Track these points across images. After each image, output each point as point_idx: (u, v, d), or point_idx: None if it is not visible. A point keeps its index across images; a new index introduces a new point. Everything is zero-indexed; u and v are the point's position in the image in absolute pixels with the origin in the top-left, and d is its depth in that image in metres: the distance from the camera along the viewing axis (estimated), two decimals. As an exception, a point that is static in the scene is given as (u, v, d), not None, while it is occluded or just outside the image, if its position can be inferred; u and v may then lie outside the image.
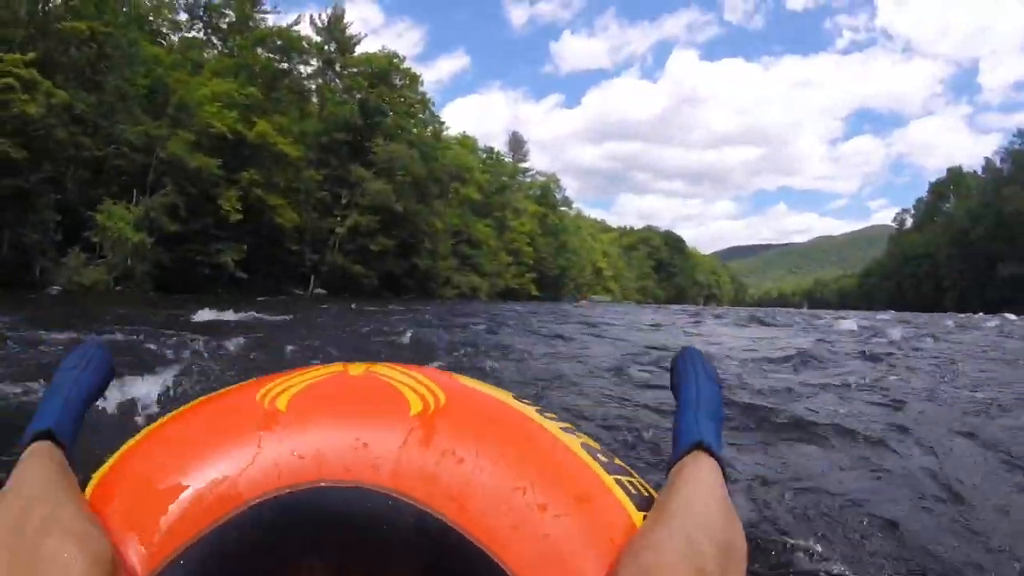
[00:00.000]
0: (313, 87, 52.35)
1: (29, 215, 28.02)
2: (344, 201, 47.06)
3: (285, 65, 45.25)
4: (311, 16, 53.85)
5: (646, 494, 0.94)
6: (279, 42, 44.03)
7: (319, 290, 42.69)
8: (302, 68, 50.77)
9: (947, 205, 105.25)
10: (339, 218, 45.93)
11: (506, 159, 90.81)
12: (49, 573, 0.68)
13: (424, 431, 0.94)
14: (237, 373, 4.59)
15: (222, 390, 1.11)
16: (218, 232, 35.77)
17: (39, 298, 20.01)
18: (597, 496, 0.89)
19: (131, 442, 1.00)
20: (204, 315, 11.63)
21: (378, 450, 0.91)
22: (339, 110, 50.37)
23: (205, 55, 43.49)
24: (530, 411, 1.06)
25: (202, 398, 1.10)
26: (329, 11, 53.36)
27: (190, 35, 45.58)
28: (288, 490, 0.88)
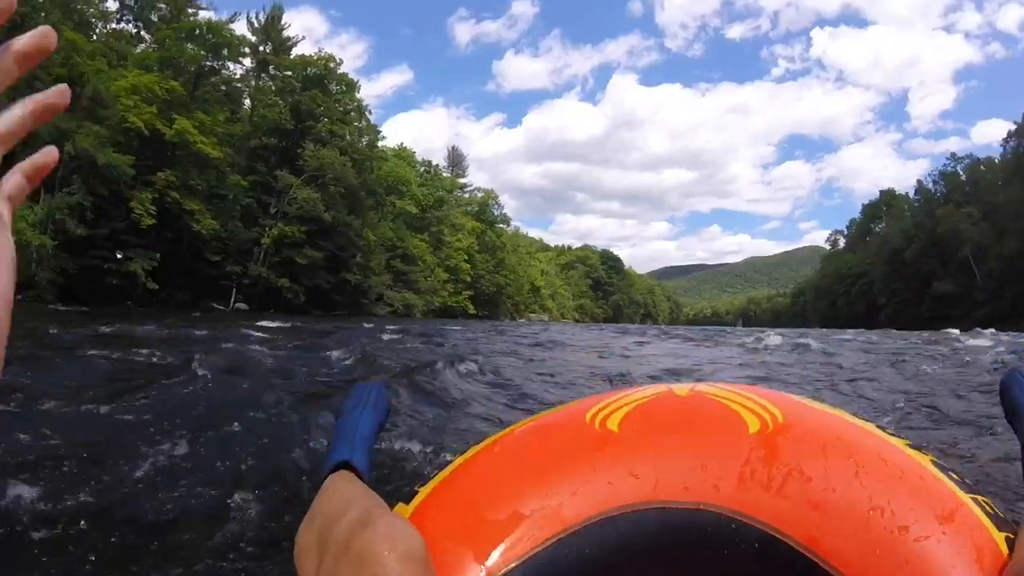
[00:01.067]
0: (245, 89, 49.66)
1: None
2: (274, 210, 44.32)
3: (216, 63, 42.16)
4: (248, 15, 50.86)
5: (1001, 515, 0.85)
6: (210, 37, 40.97)
7: (241, 305, 39.88)
8: (233, 67, 48.25)
9: (879, 226, 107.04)
10: (264, 228, 43.08)
11: (444, 174, 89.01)
12: (362, 567, 0.69)
13: (766, 450, 0.90)
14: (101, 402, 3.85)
15: (548, 412, 1.14)
16: (130, 238, 32.93)
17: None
18: (959, 517, 0.81)
19: (459, 460, 1.03)
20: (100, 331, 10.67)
21: (718, 470, 0.90)
22: (270, 112, 47.83)
23: (136, 50, 40.54)
24: (871, 427, 0.97)
25: (529, 419, 1.13)
26: (266, 11, 51.00)
27: (120, 26, 42.79)
28: (624, 510, 0.88)
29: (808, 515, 0.80)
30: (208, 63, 40.96)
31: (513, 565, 0.81)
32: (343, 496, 0.87)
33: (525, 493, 0.88)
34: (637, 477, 0.88)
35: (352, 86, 54.22)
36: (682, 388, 1.08)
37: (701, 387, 1.08)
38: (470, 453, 1.04)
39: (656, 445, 0.92)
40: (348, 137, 50.06)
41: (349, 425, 1.14)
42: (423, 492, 0.95)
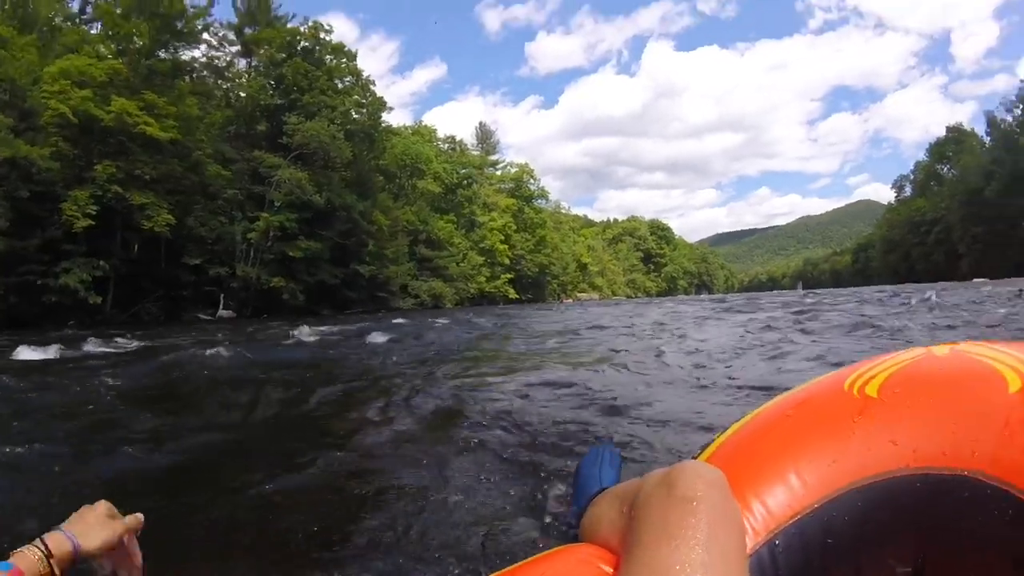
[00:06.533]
0: (214, 76, 43.64)
1: None
2: (269, 200, 37.87)
3: (170, 39, 35.45)
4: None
5: None
6: (160, 11, 34.18)
7: (224, 312, 33.68)
8: (209, 52, 42.32)
9: (946, 167, 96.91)
10: (250, 221, 36.71)
11: (473, 151, 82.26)
12: (673, 488, 0.78)
13: None
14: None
15: (808, 383, 1.12)
16: (72, 246, 26.88)
17: None
18: None
19: (736, 426, 1.07)
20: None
21: (975, 434, 0.88)
22: (251, 89, 41.70)
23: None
24: None
25: (791, 390, 1.12)
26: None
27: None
28: (882, 477, 0.89)
29: None
30: (166, 38, 34.33)
31: (777, 530, 0.83)
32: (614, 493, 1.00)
33: (787, 461, 0.89)
34: (896, 444, 0.87)
35: (349, 55, 47.70)
36: (941, 349, 1.04)
37: (962, 346, 1.04)
38: (737, 425, 1.04)
39: (914, 410, 0.90)
40: (342, 110, 43.31)
41: (588, 482, 1.25)
42: (705, 455, 0.98)
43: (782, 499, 0.87)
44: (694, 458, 0.98)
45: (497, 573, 0.84)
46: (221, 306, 34.40)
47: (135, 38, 32.24)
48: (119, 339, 12.68)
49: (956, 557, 0.80)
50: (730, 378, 4.97)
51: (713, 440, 1.05)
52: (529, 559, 0.84)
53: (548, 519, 2.10)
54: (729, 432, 1.04)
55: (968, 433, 0.84)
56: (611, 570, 0.78)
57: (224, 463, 3.31)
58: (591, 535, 0.92)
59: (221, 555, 2.06)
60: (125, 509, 1.14)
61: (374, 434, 3.61)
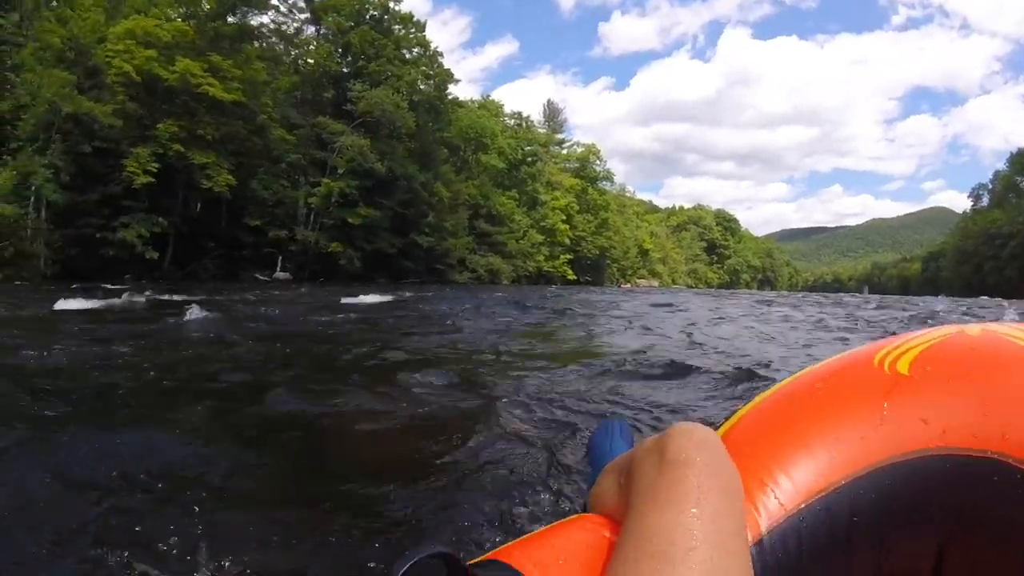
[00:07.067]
0: (292, 40, 43.83)
1: None
2: (331, 166, 37.95)
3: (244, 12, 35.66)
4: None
5: None
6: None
7: (281, 274, 33.84)
8: (278, 19, 42.44)
9: None
10: (311, 186, 36.76)
11: (540, 129, 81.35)
12: (664, 452, 0.74)
13: None
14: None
15: (837, 356, 1.07)
16: (131, 202, 27.18)
17: None
18: None
19: (760, 397, 1.00)
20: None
21: (1008, 417, 0.84)
22: (318, 55, 41.72)
23: None
24: None
25: (819, 364, 1.06)
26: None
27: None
28: (911, 456, 0.85)
29: None
30: (234, 3, 34.45)
31: (802, 505, 0.81)
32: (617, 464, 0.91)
33: (814, 436, 0.86)
34: (927, 423, 0.86)
35: (418, 26, 47.42)
36: (974, 328, 1.01)
37: (994, 326, 1.00)
38: (759, 398, 0.99)
39: (946, 388, 0.88)
40: (408, 79, 43.01)
41: (602, 455, 1.14)
42: (721, 431, 0.93)
43: (809, 474, 0.83)
44: (717, 429, 0.91)
45: (508, 544, 0.79)
46: (279, 268, 34.64)
47: (203, 2, 32.45)
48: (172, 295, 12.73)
49: (980, 541, 0.81)
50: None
51: (736, 411, 0.97)
52: (540, 529, 0.80)
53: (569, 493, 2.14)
54: (753, 403, 0.97)
55: (1000, 415, 0.82)
56: (613, 538, 0.77)
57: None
58: (598, 506, 0.86)
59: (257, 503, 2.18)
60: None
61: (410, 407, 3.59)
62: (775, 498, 0.82)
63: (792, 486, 0.83)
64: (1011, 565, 0.78)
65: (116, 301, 10.34)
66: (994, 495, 0.79)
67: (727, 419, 0.97)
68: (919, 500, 0.83)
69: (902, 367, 0.93)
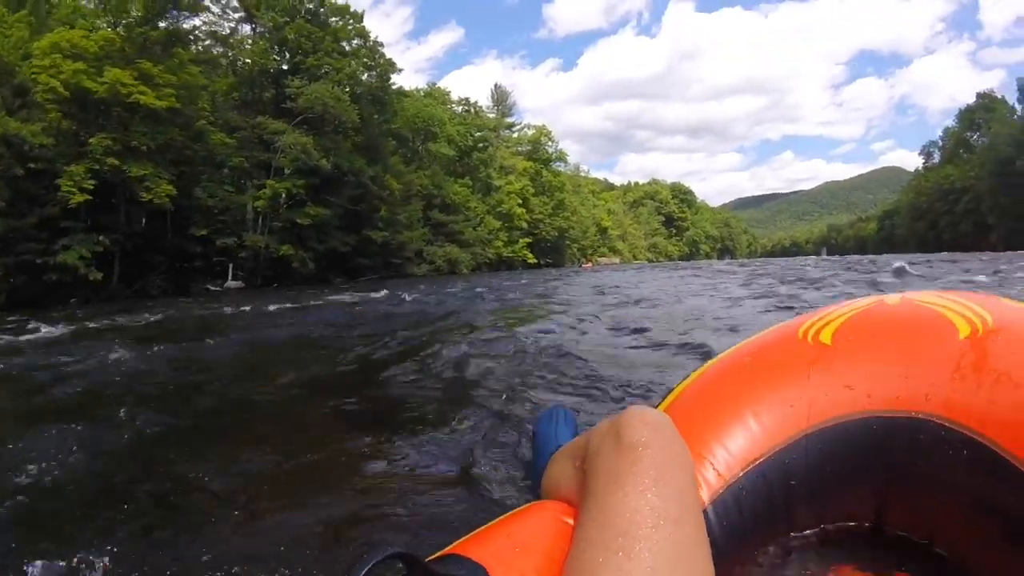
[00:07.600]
0: (227, 41, 42.59)
1: None
2: (276, 167, 36.93)
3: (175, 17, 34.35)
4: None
5: None
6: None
7: (233, 282, 32.98)
8: (208, 19, 41.12)
9: (976, 135, 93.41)
10: (257, 189, 35.84)
11: (489, 114, 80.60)
12: (620, 434, 0.78)
13: (975, 355, 0.90)
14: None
15: (763, 332, 1.13)
16: (71, 223, 26.10)
17: None
18: None
19: (694, 375, 1.08)
20: None
21: (928, 378, 0.91)
22: (253, 53, 40.68)
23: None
24: None
25: (748, 339, 1.13)
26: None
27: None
28: (839, 420, 0.92)
29: (1017, 421, 0.79)
30: (165, 7, 33.14)
31: (740, 473, 0.85)
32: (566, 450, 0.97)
33: (745, 408, 0.91)
34: (851, 388, 0.90)
35: (356, 16, 46.38)
36: (893, 297, 1.07)
37: (911, 294, 1.07)
38: (695, 374, 1.05)
39: (868, 355, 0.93)
40: (348, 71, 42.13)
41: (547, 441, 1.24)
42: (664, 405, 0.99)
43: (743, 444, 0.88)
44: (655, 407, 0.94)
45: (465, 538, 0.83)
46: (230, 277, 33.62)
47: (131, 9, 31.22)
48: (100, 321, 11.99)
49: (915, 498, 0.84)
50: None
51: (672, 389, 1.04)
52: (495, 520, 0.84)
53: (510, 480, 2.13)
54: (688, 381, 1.03)
55: (921, 378, 0.87)
56: (572, 523, 0.79)
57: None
58: (552, 492, 0.92)
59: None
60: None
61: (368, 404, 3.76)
62: (714, 470, 0.84)
63: (729, 457, 0.86)
64: (947, 504, 0.80)
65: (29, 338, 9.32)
66: (923, 454, 0.81)
67: (664, 397, 1.01)
68: (852, 460, 0.86)
69: (825, 337, 0.97)
